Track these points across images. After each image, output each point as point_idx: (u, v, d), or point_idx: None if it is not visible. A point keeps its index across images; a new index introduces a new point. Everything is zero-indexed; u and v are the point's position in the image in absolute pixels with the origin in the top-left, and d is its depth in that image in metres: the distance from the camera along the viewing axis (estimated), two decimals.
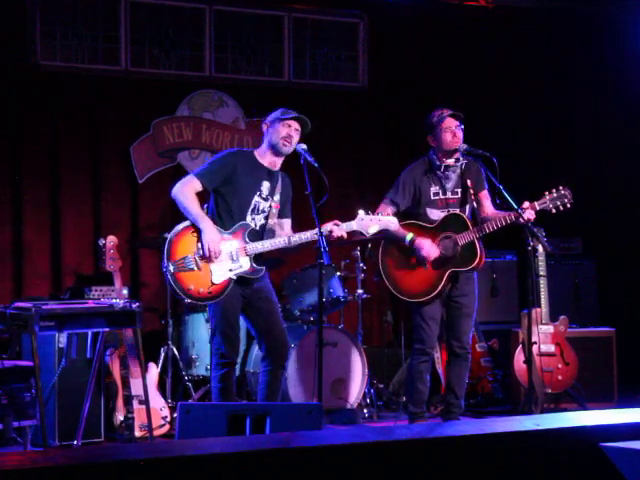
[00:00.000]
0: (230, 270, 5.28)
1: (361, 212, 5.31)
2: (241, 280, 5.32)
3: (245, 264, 5.31)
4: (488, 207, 5.90)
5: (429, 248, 5.74)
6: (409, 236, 5.77)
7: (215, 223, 5.30)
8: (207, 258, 5.21)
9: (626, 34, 8.36)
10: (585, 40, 8.40)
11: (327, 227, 5.21)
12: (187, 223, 5.30)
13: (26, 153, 7.14)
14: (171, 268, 5.20)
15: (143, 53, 7.56)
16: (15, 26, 7.13)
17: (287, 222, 5.56)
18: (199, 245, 5.23)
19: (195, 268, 5.23)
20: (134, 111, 7.50)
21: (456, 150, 5.79)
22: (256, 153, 5.46)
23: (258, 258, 5.36)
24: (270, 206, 5.43)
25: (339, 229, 5.26)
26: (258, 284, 5.39)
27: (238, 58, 7.88)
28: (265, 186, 5.41)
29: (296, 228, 5.52)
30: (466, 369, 5.91)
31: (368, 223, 5.31)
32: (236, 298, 5.31)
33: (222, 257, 5.26)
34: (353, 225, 5.30)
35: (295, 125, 5.39)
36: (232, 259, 5.29)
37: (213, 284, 5.24)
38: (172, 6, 7.65)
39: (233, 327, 5.36)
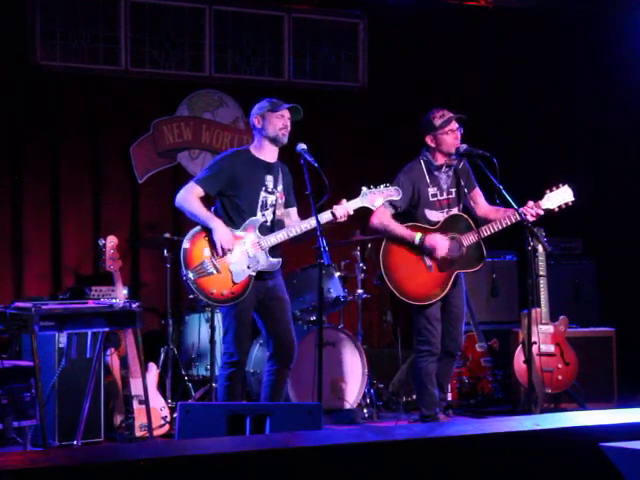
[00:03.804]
0: (248, 267, 5.27)
1: (364, 188, 5.36)
2: (258, 276, 5.31)
3: (262, 259, 5.30)
4: (483, 204, 5.91)
5: (442, 244, 5.71)
6: (418, 236, 5.71)
7: (225, 224, 5.28)
8: (222, 256, 5.21)
9: (626, 34, 8.36)
10: (585, 40, 8.39)
11: (327, 213, 5.21)
12: (198, 229, 5.29)
13: (26, 153, 7.14)
14: (191, 275, 5.19)
15: (143, 53, 7.56)
16: (15, 26, 7.13)
17: (293, 210, 5.56)
18: (213, 247, 5.23)
19: (214, 271, 5.22)
20: (134, 111, 7.49)
21: (455, 151, 5.79)
22: (252, 149, 5.44)
23: (273, 251, 5.35)
24: (276, 198, 5.43)
25: (342, 208, 5.27)
26: (272, 282, 5.39)
27: (238, 58, 7.88)
28: (269, 180, 5.40)
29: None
30: (454, 366, 6.14)
31: (373, 197, 5.35)
32: (251, 298, 5.30)
33: (238, 256, 5.26)
34: (358, 202, 5.34)
35: (287, 114, 5.39)
36: (248, 256, 5.28)
37: (234, 284, 5.24)
38: (172, 6, 7.65)
39: (246, 327, 5.34)
